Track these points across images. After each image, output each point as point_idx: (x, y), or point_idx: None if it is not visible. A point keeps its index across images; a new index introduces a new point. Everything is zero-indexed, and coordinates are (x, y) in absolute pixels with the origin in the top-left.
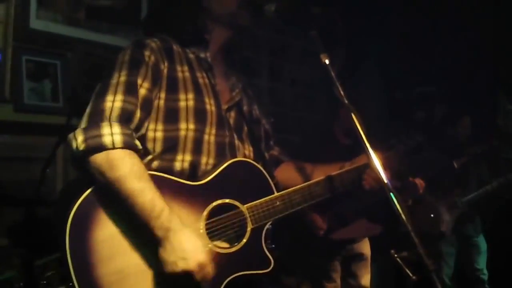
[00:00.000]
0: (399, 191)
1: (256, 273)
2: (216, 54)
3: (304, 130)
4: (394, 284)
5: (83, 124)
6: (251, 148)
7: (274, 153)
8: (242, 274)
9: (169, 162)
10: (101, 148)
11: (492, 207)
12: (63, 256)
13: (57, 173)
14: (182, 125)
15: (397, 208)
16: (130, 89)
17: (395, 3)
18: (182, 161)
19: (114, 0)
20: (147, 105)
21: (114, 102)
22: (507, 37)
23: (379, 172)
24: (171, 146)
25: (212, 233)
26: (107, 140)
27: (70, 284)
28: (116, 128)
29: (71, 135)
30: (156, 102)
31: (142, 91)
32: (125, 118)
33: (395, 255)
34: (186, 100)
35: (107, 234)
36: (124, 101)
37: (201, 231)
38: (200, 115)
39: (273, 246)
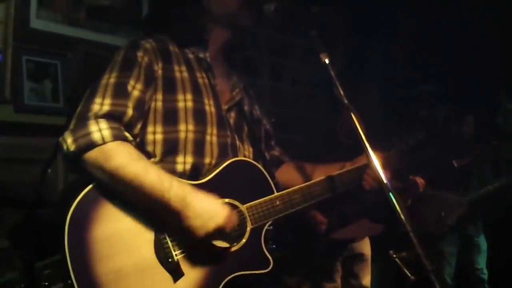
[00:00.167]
0: (400, 190)
1: (255, 273)
2: (216, 54)
3: (306, 130)
4: (394, 284)
5: (71, 126)
6: (251, 149)
7: (275, 154)
8: (241, 274)
9: (170, 164)
10: (92, 145)
11: (493, 207)
12: (62, 254)
13: (58, 174)
14: (182, 127)
15: (396, 208)
16: (120, 91)
17: (399, 1)
18: (184, 163)
19: (114, 0)
20: (140, 106)
21: (102, 105)
22: (510, 35)
23: (378, 173)
24: (171, 148)
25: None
26: (96, 136)
27: (69, 281)
28: (103, 124)
29: (60, 139)
30: (153, 104)
31: (135, 93)
32: (113, 117)
33: (394, 256)
34: (185, 101)
35: (106, 233)
36: (112, 104)
37: None
38: (199, 116)
39: (274, 246)
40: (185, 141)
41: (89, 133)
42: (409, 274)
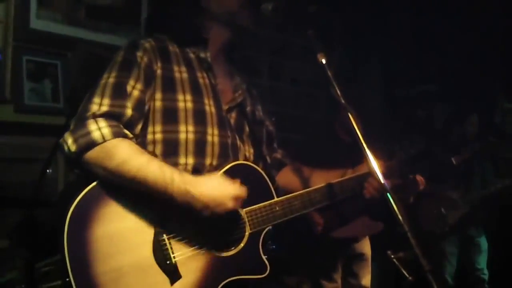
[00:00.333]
0: (400, 188)
1: (251, 278)
2: (217, 54)
3: (305, 129)
4: (394, 284)
5: (71, 127)
6: (251, 150)
7: (277, 156)
8: (237, 279)
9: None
10: (93, 144)
11: (495, 207)
12: (61, 252)
13: (58, 174)
14: (182, 127)
15: (394, 209)
16: (118, 91)
17: (398, 1)
18: (185, 164)
19: (114, 0)
20: (140, 106)
21: (101, 105)
22: (507, 35)
23: (375, 171)
24: (172, 149)
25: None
26: (96, 135)
27: (67, 279)
28: (102, 122)
29: (61, 140)
30: (151, 104)
31: (135, 93)
32: (111, 116)
33: (392, 256)
34: (185, 102)
35: (106, 232)
36: (110, 105)
37: None
38: (199, 117)
39: (274, 246)
40: (186, 142)
41: (88, 133)
42: (406, 275)
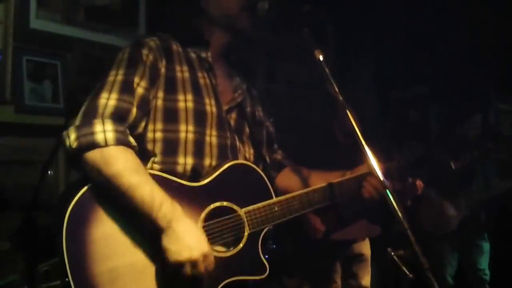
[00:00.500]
0: (398, 192)
1: (251, 279)
2: (217, 55)
3: (302, 131)
4: (393, 284)
5: (77, 122)
6: (251, 151)
7: (277, 157)
8: (236, 279)
9: (171, 165)
10: (94, 145)
11: (497, 209)
12: (60, 252)
13: (59, 176)
14: (182, 127)
15: (393, 206)
16: (126, 88)
17: (390, 2)
18: (184, 164)
19: (111, 1)
20: (144, 104)
21: (108, 100)
22: (499, 35)
23: (374, 169)
24: (171, 148)
25: (209, 236)
26: (99, 137)
27: (66, 279)
28: (109, 126)
29: (64, 133)
30: (153, 102)
31: (140, 90)
32: (119, 116)
33: (392, 253)
34: (185, 102)
35: (103, 233)
36: (118, 99)
37: None
38: (200, 117)
39: (274, 246)
40: (186, 142)
41: (93, 133)
42: (407, 272)
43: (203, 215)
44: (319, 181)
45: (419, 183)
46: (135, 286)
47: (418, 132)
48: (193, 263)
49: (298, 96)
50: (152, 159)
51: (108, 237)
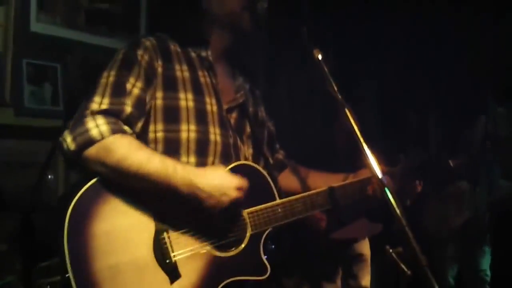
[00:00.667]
0: (397, 192)
1: (252, 279)
2: (219, 55)
3: (301, 136)
4: (393, 285)
5: (70, 125)
6: (250, 151)
7: (279, 157)
8: (237, 280)
9: None
10: (91, 141)
11: (501, 210)
12: (61, 248)
13: (58, 179)
14: (184, 127)
15: (392, 203)
16: (118, 90)
17: (389, 8)
18: (187, 163)
19: (112, 4)
20: (140, 105)
21: (101, 104)
22: (496, 41)
23: (373, 167)
24: (173, 148)
25: (211, 236)
26: (94, 133)
27: (67, 275)
28: (100, 120)
29: (60, 139)
30: (152, 102)
31: (135, 91)
32: (110, 114)
33: (390, 250)
34: (186, 100)
35: (105, 229)
36: (110, 103)
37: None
38: (201, 116)
39: (273, 246)
40: (188, 141)
41: (87, 130)
42: (405, 269)
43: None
44: (321, 182)
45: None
46: (136, 282)
47: (417, 137)
48: (235, 200)
49: (298, 101)
50: None
51: (109, 233)
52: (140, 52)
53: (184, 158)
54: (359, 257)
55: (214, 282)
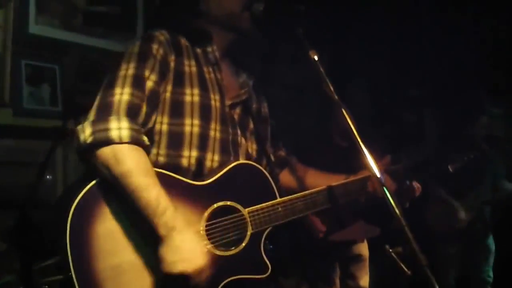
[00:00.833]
0: (399, 191)
1: (252, 278)
2: (220, 52)
3: (297, 135)
4: (392, 285)
5: (92, 117)
6: (254, 146)
7: (282, 154)
8: (238, 278)
9: (175, 158)
10: (108, 142)
11: (504, 211)
12: (63, 247)
13: (57, 179)
14: (187, 121)
15: (391, 203)
16: (137, 83)
17: (382, 6)
18: (189, 157)
19: (109, 6)
20: (153, 99)
21: (122, 95)
22: (493, 41)
23: (370, 166)
24: (176, 141)
25: (212, 234)
26: (114, 134)
27: (69, 274)
28: (124, 123)
29: (79, 127)
30: (163, 95)
31: (149, 84)
32: (132, 113)
33: (390, 250)
34: (192, 95)
35: (107, 229)
36: (131, 94)
37: (201, 232)
38: (205, 111)
39: (271, 247)
40: (191, 135)
41: (108, 129)
42: (405, 269)
43: (206, 214)
44: (322, 181)
45: (416, 185)
46: (138, 282)
47: (413, 135)
48: (186, 276)
49: (293, 99)
50: (155, 150)
51: (112, 233)
52: (155, 46)
53: (186, 152)
54: (358, 257)
55: (215, 280)
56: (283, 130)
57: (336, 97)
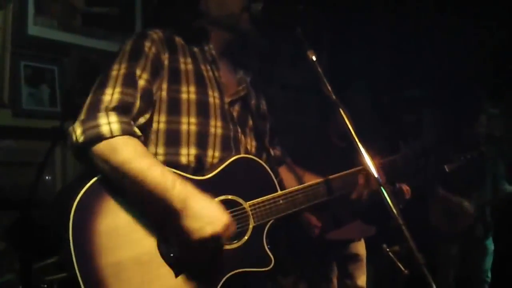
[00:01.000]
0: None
1: (256, 271)
2: (219, 53)
3: (296, 134)
4: (389, 284)
5: (81, 116)
6: (254, 143)
7: (277, 153)
8: (241, 271)
9: (174, 156)
10: (100, 138)
11: (505, 211)
12: (66, 245)
13: (56, 179)
14: (184, 119)
15: (388, 202)
16: (129, 82)
17: (381, 6)
18: (188, 155)
19: (108, 7)
20: (146, 96)
21: (113, 95)
22: (490, 40)
23: (368, 166)
24: (174, 139)
25: None
26: (104, 129)
27: (73, 272)
28: (113, 117)
29: (70, 128)
30: (158, 94)
31: (141, 82)
32: (123, 109)
33: (387, 249)
34: (188, 93)
35: (109, 226)
36: (122, 93)
37: None
38: (202, 109)
39: (269, 246)
40: (188, 133)
41: (98, 125)
42: (402, 268)
43: None
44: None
45: (406, 188)
46: (140, 279)
47: (413, 136)
48: (217, 236)
49: (292, 99)
50: (155, 150)
51: (114, 230)
52: (147, 44)
53: (184, 150)
54: (355, 257)
55: (218, 274)
56: (283, 130)
57: (333, 97)
